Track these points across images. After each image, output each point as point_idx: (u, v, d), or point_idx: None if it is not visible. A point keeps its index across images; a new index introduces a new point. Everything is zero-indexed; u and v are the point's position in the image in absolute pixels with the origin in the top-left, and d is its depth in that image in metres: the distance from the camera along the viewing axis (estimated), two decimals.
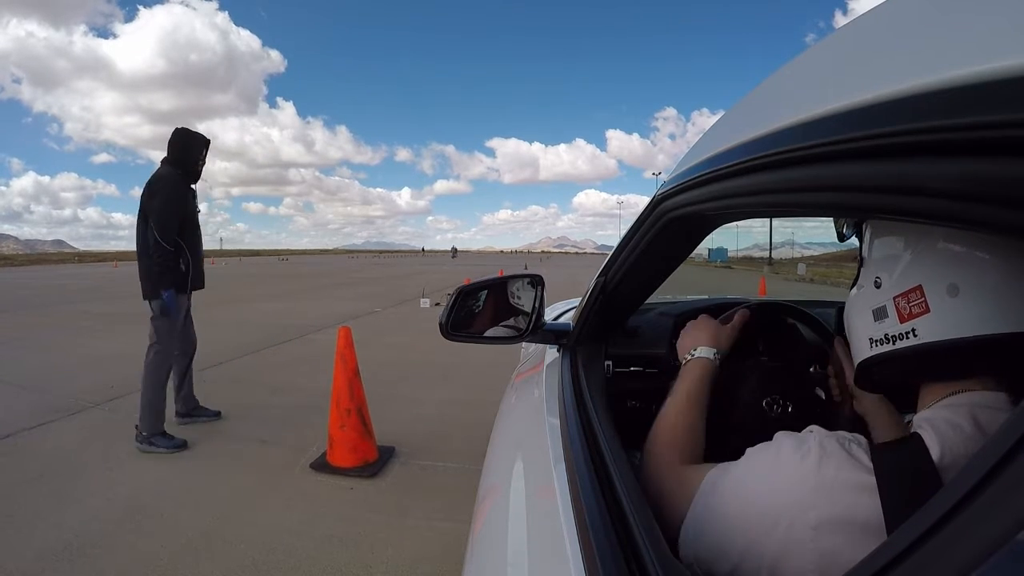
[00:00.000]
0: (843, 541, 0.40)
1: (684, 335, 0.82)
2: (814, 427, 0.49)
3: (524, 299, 1.10)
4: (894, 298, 0.48)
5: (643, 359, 1.11)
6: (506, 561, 0.59)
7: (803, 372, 0.88)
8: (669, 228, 0.70)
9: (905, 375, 0.49)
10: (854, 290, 0.55)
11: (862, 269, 0.54)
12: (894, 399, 0.66)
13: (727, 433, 0.84)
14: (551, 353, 1.17)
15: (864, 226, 0.55)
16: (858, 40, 0.38)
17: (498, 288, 1.13)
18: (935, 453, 0.40)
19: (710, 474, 0.52)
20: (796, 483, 0.44)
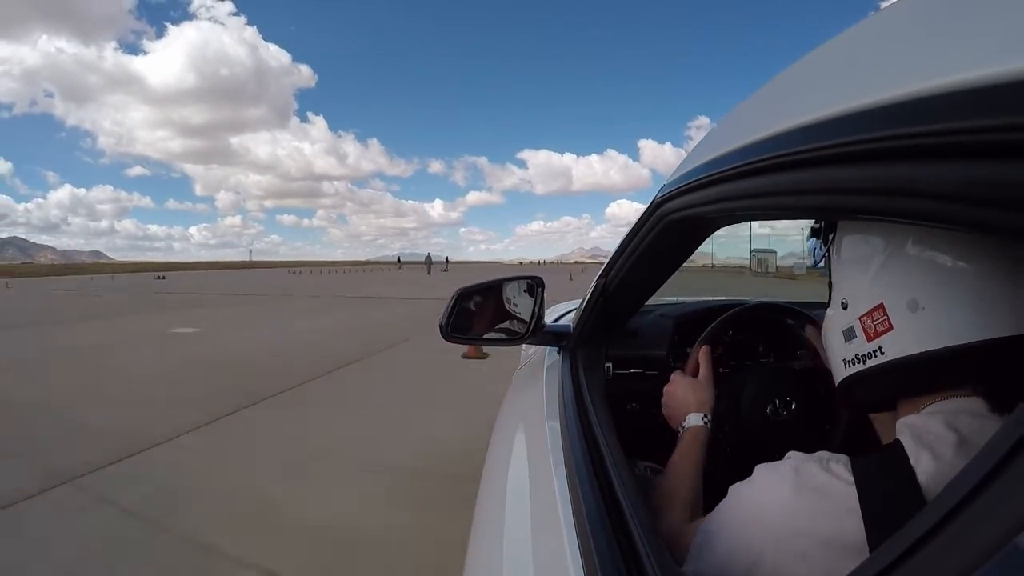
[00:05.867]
0: (831, 566, 0.40)
1: (668, 403, 0.83)
2: (792, 453, 0.48)
3: (524, 301, 1.10)
4: (859, 318, 0.49)
5: (643, 361, 1.11)
6: (506, 563, 0.59)
7: (803, 371, 0.88)
8: (669, 230, 0.70)
9: (880, 392, 0.49)
10: (828, 312, 0.55)
11: (831, 291, 0.54)
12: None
13: (737, 446, 0.84)
14: (551, 355, 1.17)
15: (828, 249, 0.55)
16: (857, 45, 0.38)
17: (498, 290, 1.13)
18: (916, 462, 0.40)
19: (702, 527, 0.52)
20: (776, 515, 0.44)
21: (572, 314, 1.21)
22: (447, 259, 55.80)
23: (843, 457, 0.45)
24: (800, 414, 0.82)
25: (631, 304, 1.00)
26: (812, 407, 0.82)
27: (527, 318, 1.06)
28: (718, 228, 0.74)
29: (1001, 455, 0.21)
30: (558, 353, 1.12)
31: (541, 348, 1.27)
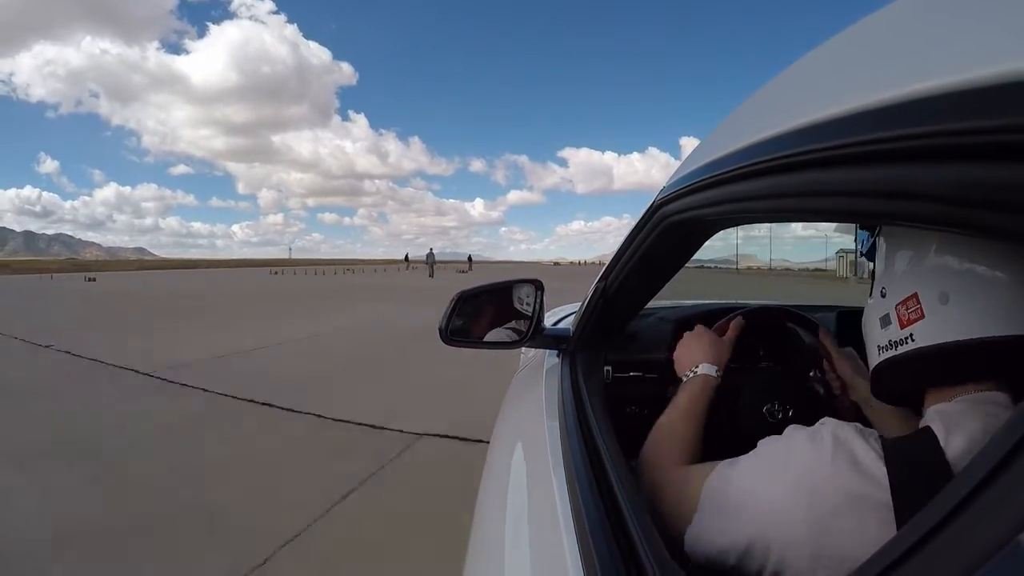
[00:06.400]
0: (853, 533, 0.41)
1: (683, 349, 0.83)
2: (827, 419, 0.49)
3: (523, 304, 1.10)
4: (896, 306, 0.51)
5: (643, 364, 1.11)
6: (506, 565, 0.59)
7: (803, 376, 0.88)
8: (668, 233, 0.70)
9: (908, 379, 0.51)
10: (869, 301, 0.57)
11: (874, 282, 0.57)
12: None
13: (728, 443, 0.84)
14: (551, 358, 1.17)
15: (876, 241, 0.58)
16: (857, 46, 0.38)
17: (497, 293, 1.13)
18: (946, 447, 0.41)
19: (720, 467, 0.53)
20: (809, 474, 0.45)
21: (572, 317, 1.21)
22: (470, 258, 45.88)
23: (874, 432, 0.46)
24: (798, 418, 0.82)
25: (631, 307, 1.00)
26: (810, 412, 0.82)
27: (527, 321, 1.06)
28: (718, 230, 0.74)
29: (1003, 454, 0.21)
30: (557, 356, 1.12)
31: (540, 351, 1.27)
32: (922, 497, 0.38)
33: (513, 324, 1.11)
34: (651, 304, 1.02)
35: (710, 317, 1.06)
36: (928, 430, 0.43)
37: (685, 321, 1.15)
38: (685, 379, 0.77)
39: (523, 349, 1.44)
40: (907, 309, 0.49)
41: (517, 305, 1.12)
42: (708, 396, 0.72)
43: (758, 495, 0.47)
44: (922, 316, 0.48)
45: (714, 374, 0.75)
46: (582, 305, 1.04)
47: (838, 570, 0.41)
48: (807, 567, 0.43)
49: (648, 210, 0.74)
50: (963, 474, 0.23)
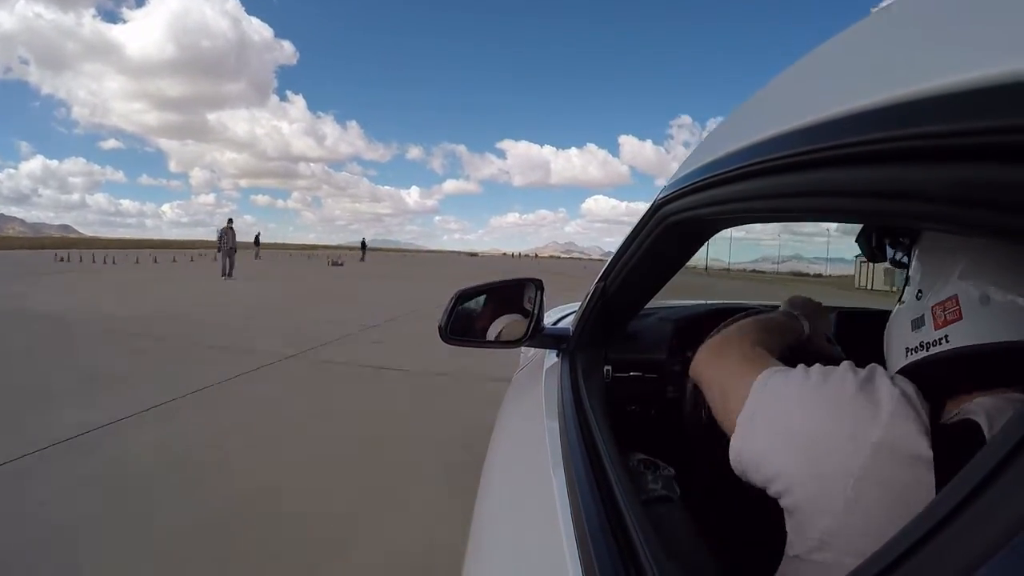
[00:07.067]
0: (885, 497, 0.39)
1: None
2: (875, 366, 0.48)
3: (523, 304, 1.10)
4: (932, 307, 0.50)
5: (643, 364, 1.11)
6: (505, 564, 0.59)
7: None
8: (669, 233, 0.70)
9: (938, 380, 0.50)
10: (897, 307, 0.57)
11: (907, 287, 0.56)
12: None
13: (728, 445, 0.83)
14: (550, 358, 1.17)
15: (913, 247, 0.57)
16: (857, 46, 0.38)
17: (497, 292, 1.13)
18: (989, 434, 0.40)
19: (765, 372, 0.52)
20: (856, 417, 0.43)
21: (571, 317, 1.21)
22: (363, 244, 34.80)
23: (926, 405, 0.44)
24: None
25: (631, 307, 1.00)
26: None
27: (526, 321, 1.06)
28: (719, 230, 0.74)
29: (1003, 454, 0.21)
30: (557, 356, 1.12)
31: (540, 351, 1.27)
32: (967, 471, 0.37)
33: (512, 323, 1.11)
34: (651, 304, 1.02)
35: (710, 317, 1.06)
36: (972, 422, 0.42)
37: (685, 321, 1.15)
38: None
39: (523, 349, 1.44)
40: (944, 310, 0.49)
41: (517, 305, 1.12)
42: (791, 336, 0.71)
43: (794, 427, 0.46)
44: (960, 317, 0.47)
45: (803, 326, 0.74)
46: (582, 305, 1.04)
47: (857, 530, 0.40)
48: (829, 522, 0.41)
49: (649, 210, 0.74)
50: (963, 474, 0.23)
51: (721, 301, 1.42)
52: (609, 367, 1.05)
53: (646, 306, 1.02)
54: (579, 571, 0.45)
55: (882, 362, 0.55)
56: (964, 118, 0.23)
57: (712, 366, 0.62)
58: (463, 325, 1.08)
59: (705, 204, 0.55)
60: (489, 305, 1.12)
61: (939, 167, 0.25)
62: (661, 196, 0.69)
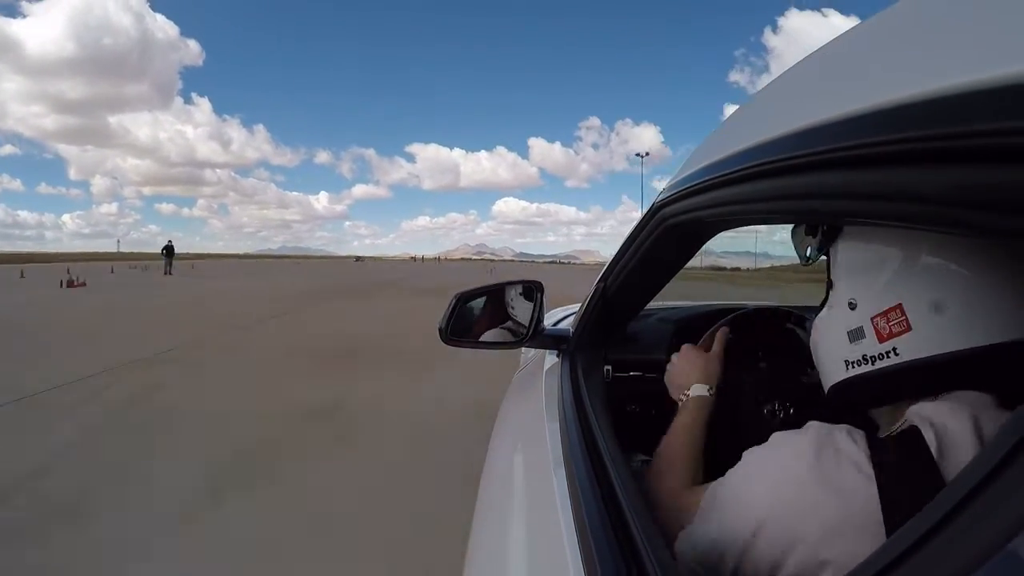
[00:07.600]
0: (843, 537, 0.40)
1: (673, 373, 0.82)
2: (812, 422, 0.48)
3: (523, 304, 1.10)
4: (872, 318, 0.47)
5: (642, 364, 1.11)
6: (506, 565, 0.59)
7: (802, 374, 0.88)
8: (668, 235, 0.71)
9: (886, 394, 0.49)
10: (823, 312, 0.54)
11: (831, 291, 0.53)
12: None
13: (730, 446, 0.84)
14: (550, 358, 1.18)
15: (833, 248, 0.54)
16: (856, 49, 0.39)
17: (497, 294, 1.13)
18: (934, 447, 0.40)
19: (710, 487, 0.53)
20: (793, 481, 0.44)
21: (572, 318, 1.21)
22: (167, 247, 23.76)
23: (860, 432, 0.45)
24: (799, 416, 0.82)
25: (630, 308, 1.00)
26: (812, 409, 0.82)
27: (526, 321, 1.06)
28: (718, 232, 0.74)
29: (1002, 455, 0.21)
30: (557, 356, 1.12)
31: (540, 351, 1.27)
32: (911, 500, 0.38)
33: (513, 324, 1.11)
34: (651, 305, 1.02)
35: (709, 318, 1.06)
36: (915, 430, 0.42)
37: (685, 322, 1.15)
38: (680, 403, 0.76)
39: (523, 349, 1.44)
40: (887, 321, 0.46)
41: (516, 305, 1.12)
42: (705, 415, 0.72)
43: (746, 510, 0.46)
44: (908, 328, 0.45)
45: (706, 393, 0.74)
46: (582, 305, 1.04)
47: (821, 564, 0.40)
48: (793, 560, 0.42)
49: (648, 212, 0.74)
50: (959, 478, 0.23)
51: (720, 302, 1.42)
52: (609, 367, 1.05)
53: (646, 307, 1.02)
54: (580, 571, 0.45)
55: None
56: (961, 121, 0.23)
57: (660, 498, 0.62)
58: (464, 327, 1.08)
59: (704, 206, 0.55)
60: (489, 307, 1.12)
61: (937, 169, 0.25)
62: (660, 198, 0.70)
